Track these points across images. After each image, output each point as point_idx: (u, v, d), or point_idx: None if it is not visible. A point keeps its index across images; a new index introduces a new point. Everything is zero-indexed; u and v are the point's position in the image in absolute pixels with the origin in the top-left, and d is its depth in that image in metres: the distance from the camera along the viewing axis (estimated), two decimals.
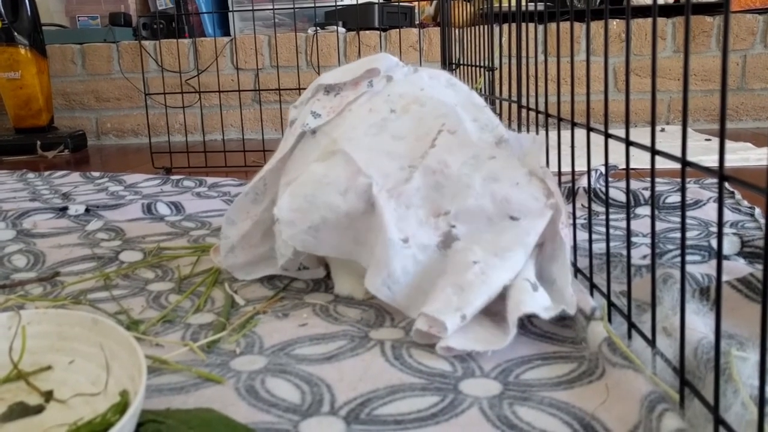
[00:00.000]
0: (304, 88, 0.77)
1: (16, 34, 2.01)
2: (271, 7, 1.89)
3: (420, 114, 0.68)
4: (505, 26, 0.84)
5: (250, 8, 1.84)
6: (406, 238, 0.62)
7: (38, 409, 0.47)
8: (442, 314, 0.56)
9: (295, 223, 0.65)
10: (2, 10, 1.98)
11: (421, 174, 0.64)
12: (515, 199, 0.62)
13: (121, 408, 0.43)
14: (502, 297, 0.59)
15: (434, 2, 2.37)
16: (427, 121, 0.68)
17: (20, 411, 0.47)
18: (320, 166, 0.66)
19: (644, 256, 0.76)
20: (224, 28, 2.43)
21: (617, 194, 1.04)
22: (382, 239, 0.62)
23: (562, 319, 0.60)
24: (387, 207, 0.62)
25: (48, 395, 0.49)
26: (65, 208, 1.11)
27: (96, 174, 1.56)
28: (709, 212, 0.97)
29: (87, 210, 1.12)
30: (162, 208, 1.13)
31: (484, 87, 1.27)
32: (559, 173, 0.69)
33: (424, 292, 0.61)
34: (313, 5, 1.92)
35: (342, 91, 0.72)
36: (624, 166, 0.51)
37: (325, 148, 0.68)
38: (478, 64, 1.26)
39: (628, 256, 0.53)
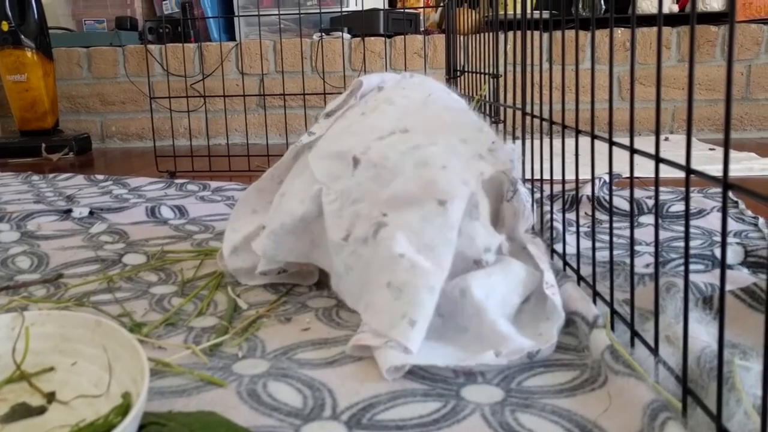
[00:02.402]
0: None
1: (22, 36, 2.02)
2: (276, 12, 1.90)
3: (386, 111, 0.70)
4: (511, 34, 0.84)
5: (256, 13, 1.85)
6: (346, 235, 0.63)
7: (40, 410, 0.47)
8: (394, 330, 0.54)
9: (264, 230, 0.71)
10: (9, 13, 1.99)
11: (362, 168, 0.65)
12: (442, 181, 0.60)
13: (124, 410, 0.43)
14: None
15: (439, 9, 2.37)
16: (387, 118, 0.69)
17: (22, 412, 0.47)
18: (293, 181, 0.71)
19: (647, 265, 0.76)
20: (230, 33, 2.44)
21: (621, 203, 1.04)
22: (327, 241, 0.65)
23: (566, 327, 0.60)
24: (328, 208, 0.65)
25: (50, 396, 0.49)
26: (69, 211, 1.11)
27: (100, 177, 1.57)
28: (713, 221, 0.97)
29: (91, 212, 1.12)
30: (166, 212, 1.13)
31: (489, 94, 1.27)
32: (563, 181, 0.69)
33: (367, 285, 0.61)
34: (318, 11, 1.93)
35: (336, 112, 0.76)
36: (628, 175, 0.51)
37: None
38: (482, 71, 1.26)
39: (632, 265, 0.53)
